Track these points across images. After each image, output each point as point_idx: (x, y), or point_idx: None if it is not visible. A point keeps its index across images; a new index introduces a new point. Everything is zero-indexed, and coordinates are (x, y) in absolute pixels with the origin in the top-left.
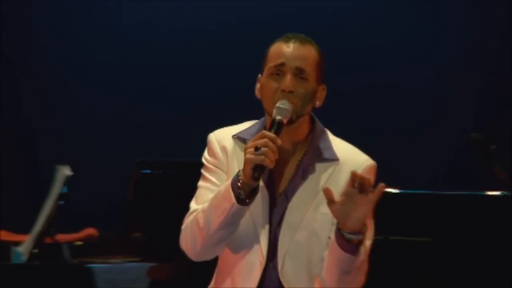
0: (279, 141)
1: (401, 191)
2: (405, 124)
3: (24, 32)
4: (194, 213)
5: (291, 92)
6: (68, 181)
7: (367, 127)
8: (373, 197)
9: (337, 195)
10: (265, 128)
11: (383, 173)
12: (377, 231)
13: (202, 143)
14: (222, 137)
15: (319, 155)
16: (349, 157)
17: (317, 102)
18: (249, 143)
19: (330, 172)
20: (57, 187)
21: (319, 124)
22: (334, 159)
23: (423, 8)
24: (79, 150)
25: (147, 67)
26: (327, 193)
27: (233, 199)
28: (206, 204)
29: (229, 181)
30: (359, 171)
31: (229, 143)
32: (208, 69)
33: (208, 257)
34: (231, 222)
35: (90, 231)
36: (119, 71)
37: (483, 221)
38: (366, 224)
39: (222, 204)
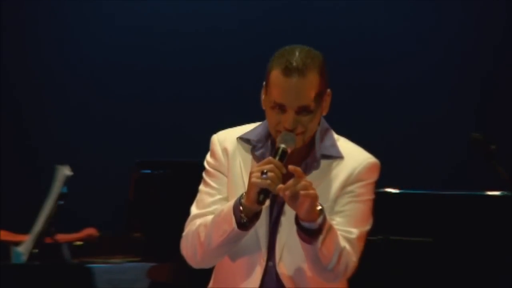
0: (284, 170)
1: (401, 191)
2: (405, 124)
3: (24, 33)
4: (197, 224)
5: (295, 128)
6: (68, 181)
7: (366, 127)
8: (300, 186)
9: (337, 188)
10: (270, 131)
11: (383, 173)
12: (377, 231)
13: (202, 143)
14: (224, 139)
15: (324, 152)
16: (352, 154)
17: (324, 112)
18: (255, 168)
19: (333, 168)
20: (57, 187)
21: (324, 123)
22: (338, 156)
23: (424, 9)
24: (79, 150)
25: (147, 67)
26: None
27: (234, 224)
28: (209, 217)
29: (232, 202)
30: (359, 168)
31: (231, 145)
32: (208, 69)
33: (208, 266)
34: (232, 242)
35: (90, 231)
36: (119, 71)
37: (483, 221)
38: (320, 212)
39: (223, 225)
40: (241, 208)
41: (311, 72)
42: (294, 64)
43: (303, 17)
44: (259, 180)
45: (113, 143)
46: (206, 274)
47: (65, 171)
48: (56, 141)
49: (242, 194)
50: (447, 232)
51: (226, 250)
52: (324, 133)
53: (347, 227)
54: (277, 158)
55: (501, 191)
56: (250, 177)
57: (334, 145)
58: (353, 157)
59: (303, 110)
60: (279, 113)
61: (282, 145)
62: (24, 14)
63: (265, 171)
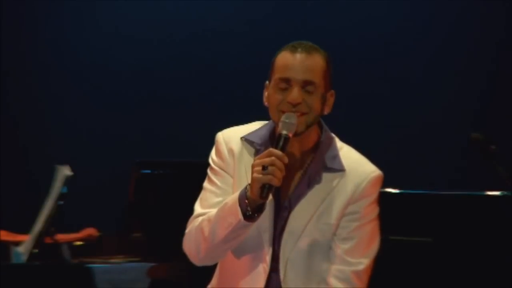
0: (285, 159)
1: (401, 191)
2: (405, 124)
3: (24, 34)
4: (199, 220)
5: (298, 104)
6: (68, 181)
7: (367, 127)
8: None
9: (341, 205)
10: (273, 131)
11: (384, 173)
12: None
13: (202, 143)
14: (230, 139)
15: (326, 164)
16: (356, 167)
17: (326, 110)
18: (256, 161)
19: (336, 182)
20: (57, 187)
21: (327, 132)
22: (340, 169)
23: (424, 8)
24: (79, 150)
25: (147, 68)
26: None
27: (240, 215)
28: (212, 212)
29: (236, 194)
30: (363, 184)
31: (237, 145)
32: (208, 69)
33: (211, 263)
34: (237, 235)
35: (90, 231)
36: (119, 71)
37: (483, 221)
38: None
39: (228, 218)
40: (246, 200)
41: (317, 54)
42: (301, 44)
43: (303, 17)
44: (260, 176)
45: (113, 143)
46: (206, 273)
47: (65, 171)
48: (56, 141)
49: (247, 186)
50: (447, 232)
51: (229, 246)
52: (328, 142)
53: (357, 258)
54: (279, 147)
55: (501, 191)
56: (252, 172)
57: (337, 156)
58: (356, 171)
59: (307, 85)
60: (283, 90)
61: (284, 132)
62: (24, 14)
63: (266, 165)
